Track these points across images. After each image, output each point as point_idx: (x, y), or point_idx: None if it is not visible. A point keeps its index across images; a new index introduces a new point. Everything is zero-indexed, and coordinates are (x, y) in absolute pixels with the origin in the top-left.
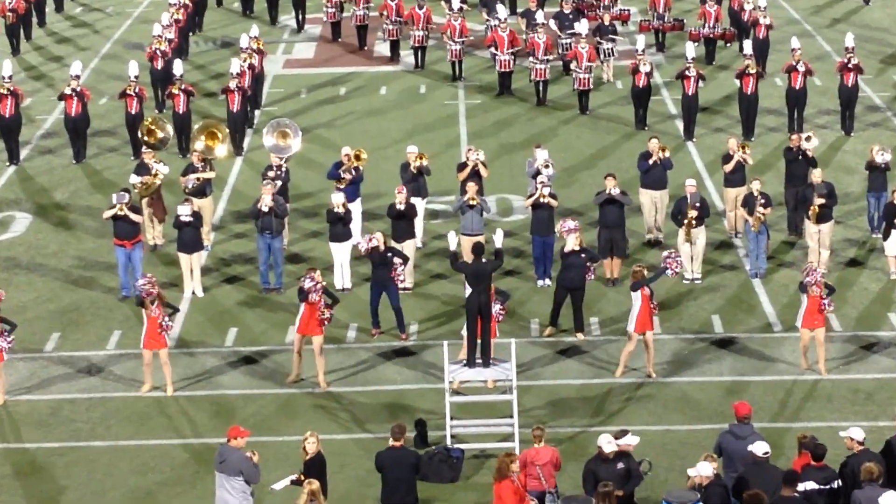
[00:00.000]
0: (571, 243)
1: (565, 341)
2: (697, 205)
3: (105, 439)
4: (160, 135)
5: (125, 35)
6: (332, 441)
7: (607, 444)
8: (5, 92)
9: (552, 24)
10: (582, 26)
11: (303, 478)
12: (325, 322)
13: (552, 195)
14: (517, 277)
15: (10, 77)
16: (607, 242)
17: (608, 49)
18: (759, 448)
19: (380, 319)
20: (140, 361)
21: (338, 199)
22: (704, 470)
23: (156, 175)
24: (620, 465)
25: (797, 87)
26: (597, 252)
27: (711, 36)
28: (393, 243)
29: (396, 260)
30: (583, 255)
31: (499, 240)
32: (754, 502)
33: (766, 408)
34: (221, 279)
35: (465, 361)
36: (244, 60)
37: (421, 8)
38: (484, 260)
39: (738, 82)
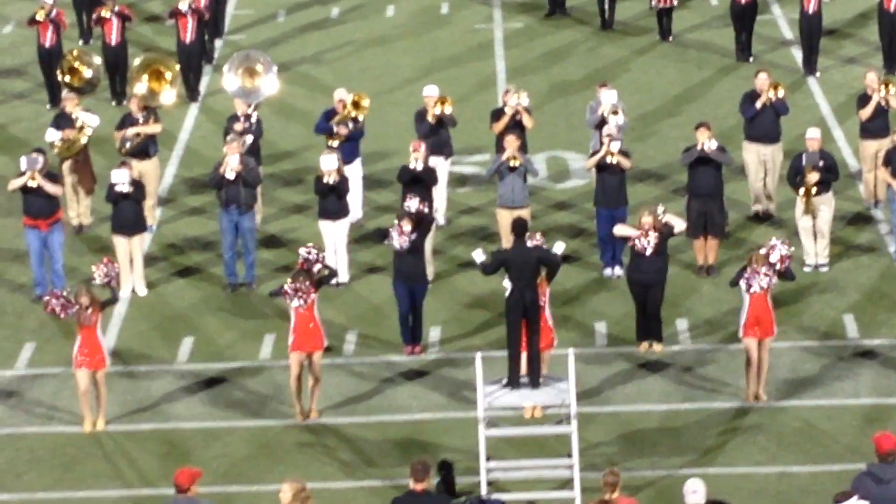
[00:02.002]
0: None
1: (642, 353)
2: (821, 164)
3: (15, 491)
4: (87, 74)
5: None
6: (325, 491)
7: (692, 493)
8: None
9: None
10: None
11: None
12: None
13: (624, 152)
14: (577, 265)
15: None
16: (700, 217)
17: None
18: None
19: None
20: (65, 385)
21: (330, 162)
22: None
23: (81, 129)
24: None
25: None
26: (686, 229)
27: None
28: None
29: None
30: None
31: (559, 252)
32: None
33: None
34: (172, 271)
35: (505, 381)
36: None
37: None
38: (530, 244)
39: None
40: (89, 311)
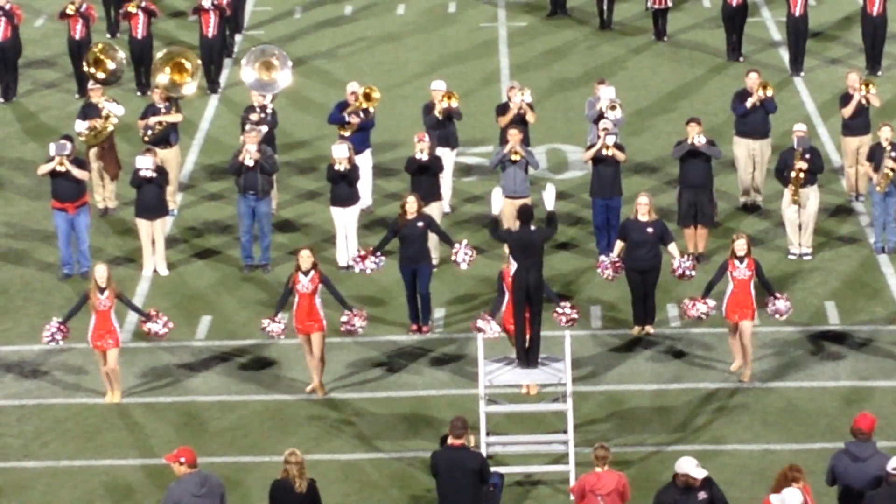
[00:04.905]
0: (643, 211)
1: (634, 335)
2: (807, 156)
3: (41, 458)
4: (111, 66)
5: None
6: (334, 461)
7: (696, 466)
8: None
9: None
10: None
11: None
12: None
13: (618, 146)
14: (573, 252)
15: None
16: (690, 207)
17: None
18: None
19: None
20: (89, 359)
21: (341, 151)
22: (792, 499)
23: (107, 118)
24: (703, 496)
25: None
26: (677, 218)
27: None
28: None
29: (433, 236)
30: (650, 230)
31: (550, 200)
32: None
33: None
34: (191, 253)
35: (507, 360)
36: None
37: None
38: (533, 227)
39: None
40: (105, 294)
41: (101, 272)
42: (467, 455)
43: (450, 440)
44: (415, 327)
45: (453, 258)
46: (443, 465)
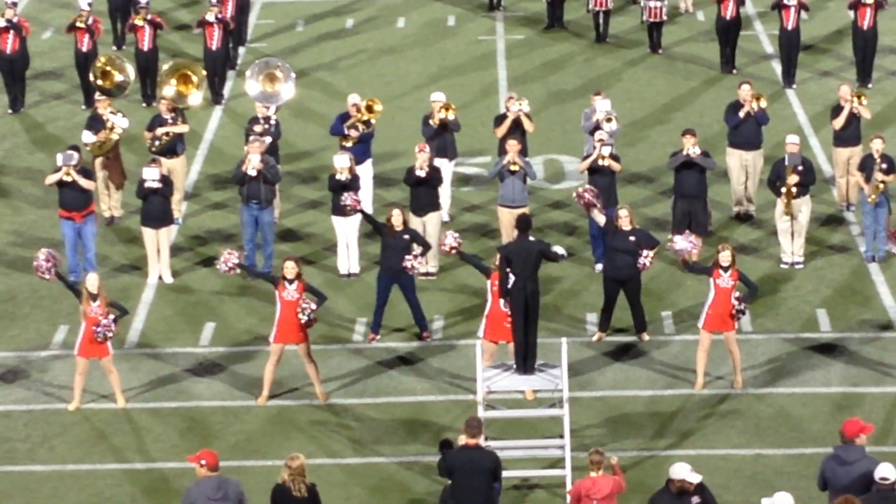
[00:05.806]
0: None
1: (629, 342)
2: (800, 168)
3: (48, 463)
4: (118, 78)
5: None
6: (335, 465)
7: (691, 472)
8: None
9: None
10: None
11: None
12: (308, 324)
13: (614, 156)
14: (569, 261)
15: None
16: (684, 216)
17: None
18: (885, 471)
19: (382, 321)
20: (95, 365)
21: (342, 161)
22: (783, 502)
23: (112, 129)
24: (696, 500)
25: None
26: (672, 227)
27: None
28: (412, 218)
29: (416, 247)
30: (632, 238)
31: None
32: None
33: (884, 427)
34: (196, 261)
35: (505, 366)
36: None
37: None
38: (532, 238)
39: (851, 13)
40: (96, 302)
41: (92, 280)
42: (482, 455)
43: (465, 440)
44: (373, 336)
45: (406, 262)
46: (458, 465)
